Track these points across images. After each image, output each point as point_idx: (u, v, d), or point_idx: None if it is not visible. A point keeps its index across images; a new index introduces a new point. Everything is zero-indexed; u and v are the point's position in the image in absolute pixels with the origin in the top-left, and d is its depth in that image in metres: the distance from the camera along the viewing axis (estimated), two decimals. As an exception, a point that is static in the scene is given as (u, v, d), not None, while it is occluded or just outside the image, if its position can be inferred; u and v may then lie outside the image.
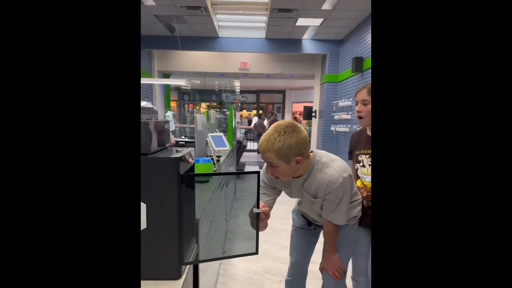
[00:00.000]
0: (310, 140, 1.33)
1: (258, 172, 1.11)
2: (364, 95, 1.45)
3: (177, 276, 0.88)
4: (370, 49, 5.16)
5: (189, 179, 0.96)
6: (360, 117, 1.48)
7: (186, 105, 13.28)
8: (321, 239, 1.54)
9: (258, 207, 1.13)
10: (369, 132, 1.52)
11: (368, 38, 5.27)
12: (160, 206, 0.85)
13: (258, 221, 1.14)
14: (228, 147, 2.40)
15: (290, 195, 1.45)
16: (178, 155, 0.89)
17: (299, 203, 1.55)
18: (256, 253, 1.08)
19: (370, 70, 5.12)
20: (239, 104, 11.31)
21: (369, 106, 1.43)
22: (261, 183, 1.38)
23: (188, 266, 0.98)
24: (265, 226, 1.29)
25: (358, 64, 5.43)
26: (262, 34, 6.76)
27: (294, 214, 1.65)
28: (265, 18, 5.92)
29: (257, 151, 10.20)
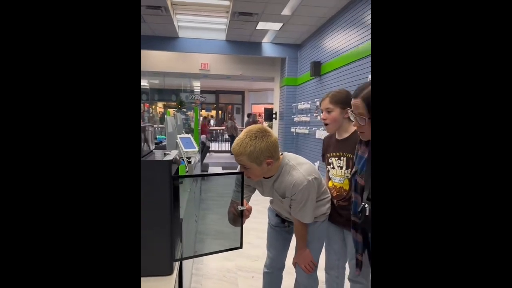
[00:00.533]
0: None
1: (242, 173, 1.21)
2: (327, 103, 1.58)
3: (169, 272, 0.93)
4: (327, 54, 5.46)
5: (177, 181, 1.01)
6: (326, 124, 1.62)
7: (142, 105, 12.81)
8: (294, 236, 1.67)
9: (242, 204, 1.21)
10: (337, 136, 1.64)
11: (325, 43, 5.56)
12: (153, 206, 0.89)
13: (243, 217, 1.23)
14: (196, 148, 2.44)
15: (263, 193, 1.56)
16: (169, 157, 0.95)
17: (271, 202, 1.65)
18: (241, 247, 1.16)
19: (328, 75, 5.41)
20: (199, 104, 11.21)
21: (333, 114, 1.57)
22: (235, 181, 1.47)
23: (176, 263, 1.04)
24: (243, 222, 1.38)
25: (316, 69, 5.69)
26: (222, 36, 6.80)
27: (270, 212, 1.74)
28: (225, 21, 5.98)
29: (229, 152, 10.21)
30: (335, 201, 1.61)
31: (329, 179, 1.66)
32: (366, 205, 1.13)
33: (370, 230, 1.16)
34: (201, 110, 14.86)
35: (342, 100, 1.56)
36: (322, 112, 1.62)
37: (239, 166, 1.43)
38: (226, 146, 11.71)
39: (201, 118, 13.50)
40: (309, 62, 6.03)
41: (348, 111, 1.22)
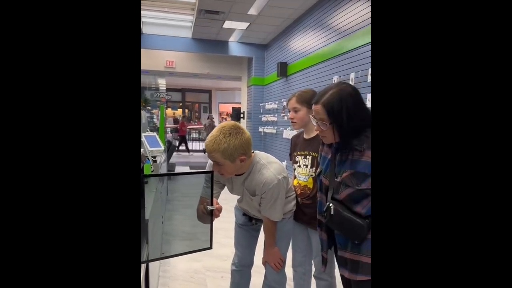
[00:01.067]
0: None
1: (212, 172, 1.20)
2: (294, 103, 1.62)
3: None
4: (294, 55, 5.55)
5: (142, 180, 0.99)
6: (293, 122, 1.66)
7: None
8: (262, 234, 1.68)
9: (212, 204, 1.20)
10: (305, 136, 1.68)
11: (292, 44, 5.65)
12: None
13: (212, 217, 1.22)
14: (162, 147, 2.38)
15: (232, 191, 1.56)
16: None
17: (239, 201, 1.65)
18: (210, 247, 1.15)
19: (294, 75, 5.50)
20: (165, 102, 10.96)
21: (300, 113, 1.60)
22: (205, 177, 1.45)
23: (143, 265, 1.01)
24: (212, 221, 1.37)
25: (282, 69, 5.76)
26: (188, 34, 6.69)
27: (236, 211, 1.75)
28: (192, 18, 5.88)
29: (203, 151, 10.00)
30: (299, 199, 1.64)
31: (295, 177, 1.70)
32: (331, 205, 1.16)
33: (336, 228, 1.20)
34: (166, 108, 14.55)
35: (309, 100, 1.56)
36: (290, 111, 1.65)
37: (209, 162, 1.42)
38: (199, 145, 11.46)
39: (180, 117, 13.16)
40: (276, 62, 6.10)
41: (310, 116, 1.25)
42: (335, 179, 1.18)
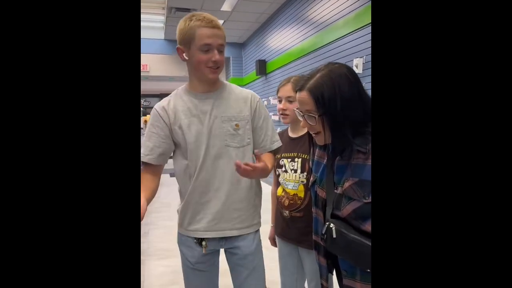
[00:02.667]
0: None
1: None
2: (289, 91, 1.27)
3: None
4: (272, 52, 5.30)
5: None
6: (285, 115, 1.31)
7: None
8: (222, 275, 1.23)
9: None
10: (291, 134, 1.37)
11: (269, 41, 5.41)
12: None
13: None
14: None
15: (188, 139, 1.07)
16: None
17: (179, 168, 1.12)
18: None
19: (274, 73, 5.26)
20: (143, 109, 10.54)
21: (295, 104, 1.08)
22: (150, 123, 1.11)
23: None
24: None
25: (261, 67, 5.53)
26: (161, 35, 6.35)
27: (183, 246, 1.16)
28: (163, 18, 5.56)
29: None
30: (286, 212, 1.31)
31: (278, 184, 1.37)
32: (332, 225, 0.86)
33: (340, 254, 0.89)
34: (145, 115, 14.11)
35: None
36: (281, 101, 1.31)
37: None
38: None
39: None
40: (254, 61, 5.86)
41: (295, 110, 0.95)
42: (334, 191, 0.89)
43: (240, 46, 6.87)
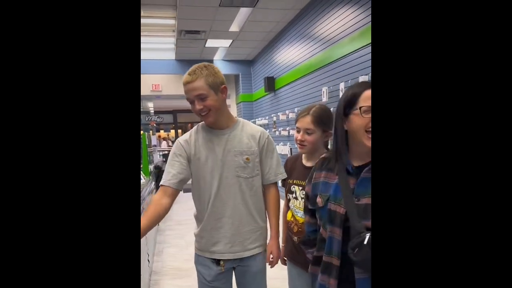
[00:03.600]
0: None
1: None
2: (309, 123, 1.29)
3: None
4: (280, 69, 5.38)
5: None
6: (302, 145, 1.33)
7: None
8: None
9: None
10: (305, 162, 1.38)
11: (277, 58, 5.49)
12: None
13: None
14: (143, 179, 2.12)
15: (204, 164, 1.21)
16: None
17: (204, 191, 1.24)
18: None
19: (282, 89, 5.31)
20: (154, 125, 10.74)
21: (314, 136, 1.27)
22: (174, 152, 1.25)
23: None
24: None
25: (270, 84, 5.60)
26: (172, 56, 6.53)
27: (200, 266, 1.31)
28: (173, 40, 5.73)
29: None
30: (295, 238, 1.35)
31: (288, 208, 1.40)
32: (367, 234, 0.85)
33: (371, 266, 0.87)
34: (158, 131, 14.35)
35: (327, 122, 1.28)
36: (299, 131, 1.32)
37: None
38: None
39: (174, 139, 12.88)
40: (263, 77, 5.94)
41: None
42: (356, 202, 0.89)
43: (249, 63, 6.98)
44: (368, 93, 0.88)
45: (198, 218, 1.29)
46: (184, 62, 6.73)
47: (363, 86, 0.92)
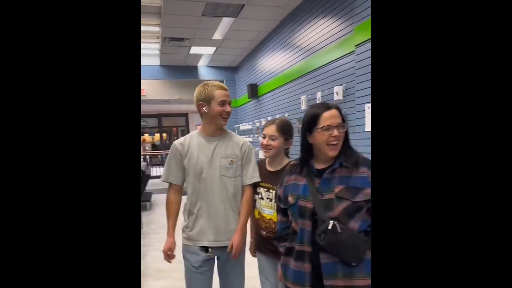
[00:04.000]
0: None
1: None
2: (273, 131, 1.51)
3: None
4: (263, 76, 5.51)
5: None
6: (268, 149, 1.54)
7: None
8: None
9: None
10: (268, 167, 1.58)
11: (260, 65, 5.61)
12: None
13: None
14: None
15: (195, 165, 1.49)
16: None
17: (193, 190, 1.51)
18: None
19: (265, 96, 5.44)
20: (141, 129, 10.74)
21: (277, 142, 1.51)
22: (171, 153, 1.53)
23: None
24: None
25: (253, 91, 5.71)
26: (156, 61, 6.57)
27: (187, 253, 1.54)
28: (158, 46, 5.78)
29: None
30: (263, 232, 1.54)
31: (255, 207, 1.59)
32: (334, 222, 1.06)
33: (336, 250, 1.06)
34: (143, 134, 14.26)
35: (288, 131, 1.54)
36: (265, 137, 1.55)
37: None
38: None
39: (158, 143, 12.81)
40: (246, 84, 6.05)
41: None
42: (320, 198, 1.10)
43: (233, 69, 7.09)
44: (327, 113, 1.11)
45: (190, 211, 1.53)
46: (168, 67, 6.78)
47: (323, 107, 1.14)
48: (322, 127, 1.10)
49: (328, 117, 1.10)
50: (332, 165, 1.12)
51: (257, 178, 1.55)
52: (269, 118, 5.09)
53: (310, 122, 1.12)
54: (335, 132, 1.09)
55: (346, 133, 1.14)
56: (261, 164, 1.63)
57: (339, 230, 1.04)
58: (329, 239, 1.05)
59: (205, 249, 1.50)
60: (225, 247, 1.49)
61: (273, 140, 1.52)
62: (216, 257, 1.56)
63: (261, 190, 1.56)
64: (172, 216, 1.53)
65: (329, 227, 1.05)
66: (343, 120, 1.12)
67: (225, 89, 1.50)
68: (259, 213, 1.57)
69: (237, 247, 1.46)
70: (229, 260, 1.52)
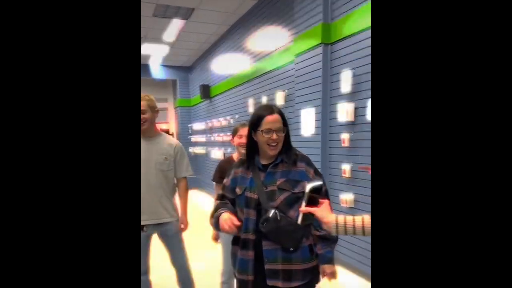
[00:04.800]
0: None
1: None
2: (246, 130, 1.66)
3: None
4: (216, 77, 5.62)
5: None
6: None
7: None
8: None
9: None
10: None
11: (213, 67, 5.71)
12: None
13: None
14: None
15: (143, 163, 1.80)
16: None
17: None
18: None
19: (218, 97, 5.55)
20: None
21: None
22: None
23: None
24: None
25: (205, 91, 5.79)
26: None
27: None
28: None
29: None
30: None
31: None
32: (276, 211, 1.18)
33: (277, 236, 1.19)
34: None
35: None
36: (242, 137, 1.75)
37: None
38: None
39: None
40: (199, 84, 6.11)
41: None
42: (265, 189, 1.23)
43: (187, 69, 7.09)
44: (269, 117, 1.25)
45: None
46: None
47: (267, 110, 1.28)
48: (263, 130, 1.23)
49: (270, 121, 1.23)
50: (275, 161, 1.27)
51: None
52: (220, 119, 5.24)
53: (255, 122, 1.25)
54: (274, 136, 1.22)
55: (288, 135, 1.28)
56: (229, 160, 1.84)
57: (279, 218, 1.17)
58: (271, 226, 1.18)
59: (142, 227, 1.93)
60: (160, 225, 1.92)
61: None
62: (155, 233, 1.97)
63: None
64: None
65: (271, 215, 1.18)
66: (284, 124, 1.25)
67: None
68: None
69: (186, 224, 2.01)
70: (165, 235, 1.95)
